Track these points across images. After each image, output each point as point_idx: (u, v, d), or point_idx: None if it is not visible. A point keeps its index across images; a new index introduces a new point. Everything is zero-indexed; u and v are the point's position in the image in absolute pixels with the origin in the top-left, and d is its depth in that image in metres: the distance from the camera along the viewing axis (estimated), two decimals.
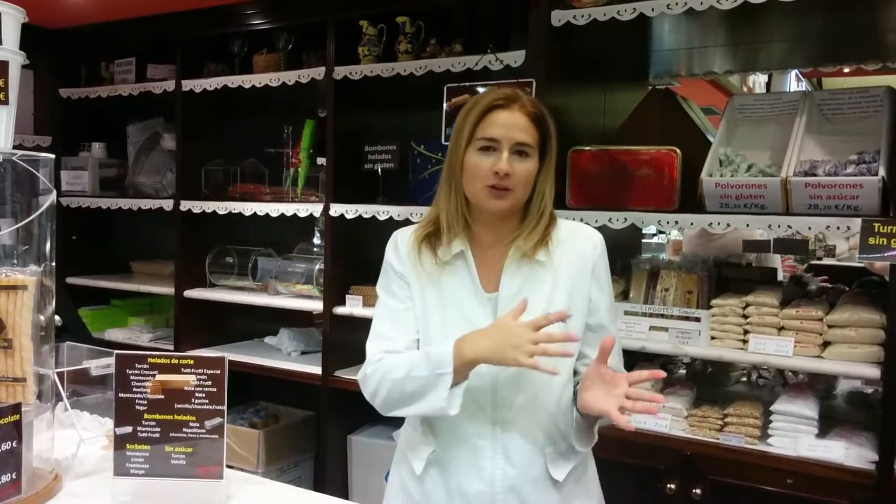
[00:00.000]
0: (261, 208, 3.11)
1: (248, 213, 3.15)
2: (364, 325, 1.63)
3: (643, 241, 4.62)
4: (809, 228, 2.09)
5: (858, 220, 1.96)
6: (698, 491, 2.21)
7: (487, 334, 1.42)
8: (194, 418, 1.37)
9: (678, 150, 2.33)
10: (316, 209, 2.96)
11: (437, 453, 1.57)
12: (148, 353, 1.37)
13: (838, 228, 2.00)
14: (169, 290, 3.45)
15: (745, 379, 2.83)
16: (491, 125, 1.50)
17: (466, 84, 2.56)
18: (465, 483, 1.54)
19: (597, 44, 2.57)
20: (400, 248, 1.61)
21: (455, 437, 1.55)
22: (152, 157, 3.72)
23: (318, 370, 2.98)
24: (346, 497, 3.03)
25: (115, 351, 1.38)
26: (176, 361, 1.38)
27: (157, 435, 1.38)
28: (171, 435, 1.38)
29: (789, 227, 2.09)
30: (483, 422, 1.53)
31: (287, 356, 3.28)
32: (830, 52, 2.87)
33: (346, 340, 2.93)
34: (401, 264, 1.60)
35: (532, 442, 1.53)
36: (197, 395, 1.37)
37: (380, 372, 1.51)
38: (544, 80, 2.40)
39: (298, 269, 3.20)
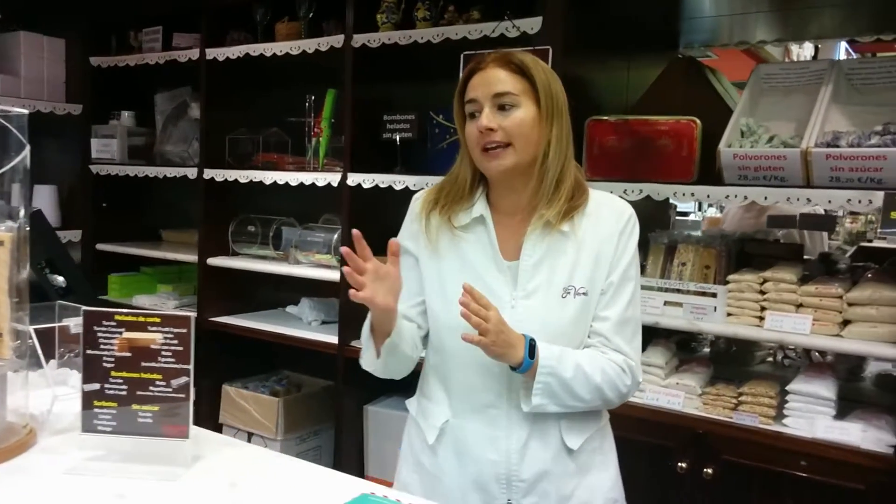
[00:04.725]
0: (281, 177, 3.12)
1: (268, 181, 3.16)
2: None
3: (677, 219, 4.49)
4: (829, 202, 1.99)
5: (881, 194, 1.87)
6: (710, 470, 2.15)
7: None
8: (161, 377, 1.38)
9: (698, 121, 2.25)
10: (335, 178, 2.95)
11: (451, 423, 1.56)
12: (115, 310, 1.38)
13: (859, 202, 1.91)
14: (196, 258, 3.49)
15: (770, 359, 2.75)
16: (471, 89, 1.51)
17: (484, 52, 2.49)
18: (479, 452, 1.52)
19: (623, 9, 2.48)
20: (412, 211, 1.63)
21: (469, 406, 1.54)
22: (180, 125, 3.74)
23: (335, 340, 2.99)
24: (362, 466, 3.05)
25: (84, 307, 1.38)
26: (143, 319, 1.38)
27: (125, 393, 1.39)
28: (138, 393, 1.38)
29: (808, 199, 2.01)
30: (497, 390, 1.51)
31: (308, 325, 3.29)
32: (889, 18, 2.63)
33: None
34: (411, 225, 1.62)
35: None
36: (163, 353, 1.37)
37: None
38: (561, 49, 2.32)
39: (318, 239, 3.20)
